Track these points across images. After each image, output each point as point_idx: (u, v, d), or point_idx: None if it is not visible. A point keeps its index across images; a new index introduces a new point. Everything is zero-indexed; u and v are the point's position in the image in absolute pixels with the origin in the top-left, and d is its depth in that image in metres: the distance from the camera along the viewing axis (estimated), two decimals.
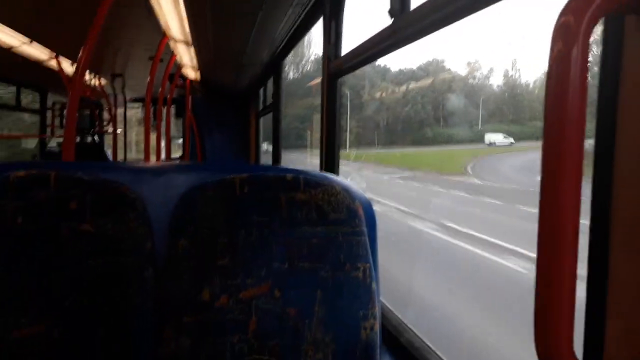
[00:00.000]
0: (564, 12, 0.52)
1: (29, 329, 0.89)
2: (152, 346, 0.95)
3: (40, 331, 0.89)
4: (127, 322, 0.93)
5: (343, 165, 2.21)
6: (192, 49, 3.96)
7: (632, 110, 0.58)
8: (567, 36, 0.51)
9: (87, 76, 6.11)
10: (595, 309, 0.63)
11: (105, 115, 8.28)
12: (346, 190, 1.03)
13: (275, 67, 4.19)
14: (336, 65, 2.09)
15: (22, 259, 0.90)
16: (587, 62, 0.51)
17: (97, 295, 0.92)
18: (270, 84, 4.61)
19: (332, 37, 2.15)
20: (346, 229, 1.00)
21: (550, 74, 0.52)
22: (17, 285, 0.89)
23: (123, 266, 0.94)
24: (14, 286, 0.89)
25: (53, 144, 7.56)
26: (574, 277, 0.52)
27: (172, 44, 3.81)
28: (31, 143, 8.17)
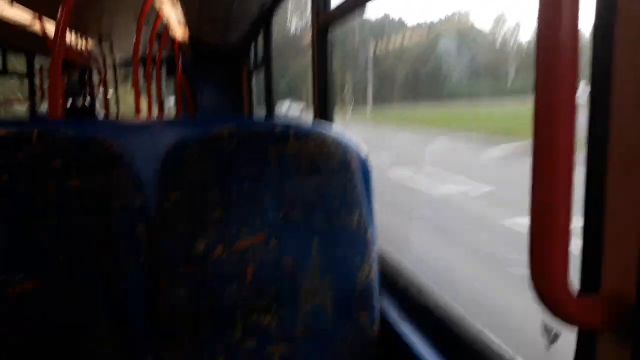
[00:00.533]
0: None
1: (24, 285, 0.89)
2: (148, 299, 0.95)
3: (35, 288, 0.89)
4: (122, 277, 0.93)
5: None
6: (178, 7, 3.87)
7: (628, 60, 0.55)
8: None
9: (74, 39, 5.99)
10: (592, 241, 0.61)
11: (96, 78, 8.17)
12: (338, 141, 1.03)
13: (265, 22, 4.11)
14: (325, 18, 2.06)
15: (10, 217, 0.89)
16: (578, 6, 0.49)
17: (89, 252, 0.92)
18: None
19: None
20: (339, 179, 1.01)
21: (540, 21, 0.50)
22: (7, 244, 0.89)
23: (114, 223, 0.93)
24: (3, 245, 0.89)
25: (44, 109, 7.49)
26: (568, 210, 0.51)
27: (157, 1, 3.73)
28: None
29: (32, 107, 7.16)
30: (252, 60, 5.66)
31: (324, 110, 2.16)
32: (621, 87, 0.55)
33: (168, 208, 0.96)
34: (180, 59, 6.26)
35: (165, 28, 4.95)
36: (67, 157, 0.92)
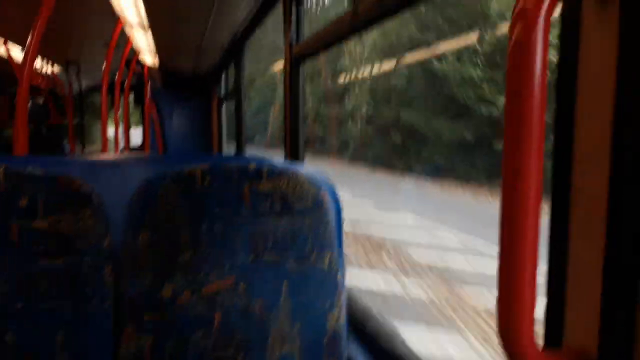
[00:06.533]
0: None
1: None
2: (113, 346, 0.92)
3: None
4: (86, 323, 0.90)
5: None
6: (149, 34, 3.84)
7: (590, 95, 0.58)
8: (527, 20, 0.51)
9: (40, 63, 5.88)
10: (555, 297, 0.64)
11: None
12: (311, 179, 1.01)
13: (236, 52, 4.11)
14: (298, 50, 2.06)
15: None
16: (547, 45, 0.51)
17: (52, 297, 0.88)
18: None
19: (293, 21, 2.12)
20: (312, 219, 0.99)
21: (511, 58, 0.52)
22: None
23: (79, 265, 0.90)
24: None
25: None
26: (534, 269, 0.53)
27: (127, 29, 3.69)
28: None
29: None
30: (222, 91, 5.65)
31: (295, 147, 2.14)
32: (583, 145, 0.59)
33: (136, 250, 0.93)
34: (149, 87, 6.20)
35: (135, 54, 4.90)
36: (34, 196, 0.89)
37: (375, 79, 17.34)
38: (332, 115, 19.19)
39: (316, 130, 20.10)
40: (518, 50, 0.51)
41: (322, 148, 19.61)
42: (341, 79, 19.02)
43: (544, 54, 0.51)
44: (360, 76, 17.83)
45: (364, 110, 17.62)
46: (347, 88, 18.61)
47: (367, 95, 17.55)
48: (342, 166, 17.35)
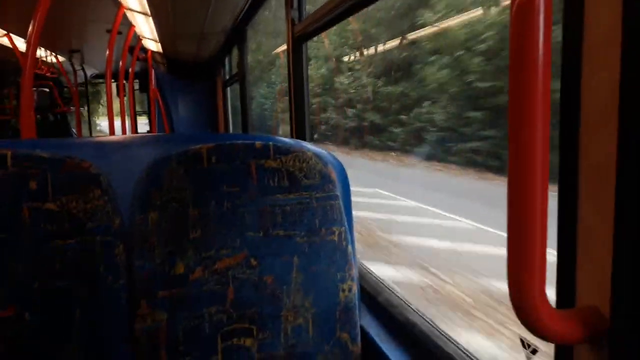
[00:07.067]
0: None
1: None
2: (128, 323, 0.93)
3: (10, 315, 0.86)
4: (101, 301, 0.91)
5: None
6: (151, 19, 3.83)
7: (597, 53, 0.57)
8: None
9: (44, 53, 5.89)
10: (566, 257, 0.64)
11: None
12: (318, 155, 1.02)
13: (239, 35, 4.09)
14: (300, 29, 2.05)
15: None
16: (551, 10, 0.51)
17: (67, 276, 0.89)
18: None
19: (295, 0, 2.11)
20: (319, 194, 1.00)
21: (514, 22, 0.52)
22: None
23: (91, 245, 0.91)
24: None
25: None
26: (544, 230, 0.53)
27: (129, 15, 3.68)
28: None
29: (3, 124, 7.00)
30: (226, 74, 5.64)
31: (301, 125, 2.14)
32: (590, 106, 0.58)
33: (146, 229, 0.94)
34: (153, 74, 6.20)
35: (138, 41, 4.89)
36: (43, 178, 0.89)
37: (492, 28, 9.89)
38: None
39: (371, 117, 13.82)
40: (521, 14, 0.51)
41: (380, 142, 13.35)
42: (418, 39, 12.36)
43: (547, 17, 0.50)
44: (455, 30, 11.06)
45: (464, 81, 10.38)
46: (428, 52, 11.92)
47: (473, 58, 10.31)
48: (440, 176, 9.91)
